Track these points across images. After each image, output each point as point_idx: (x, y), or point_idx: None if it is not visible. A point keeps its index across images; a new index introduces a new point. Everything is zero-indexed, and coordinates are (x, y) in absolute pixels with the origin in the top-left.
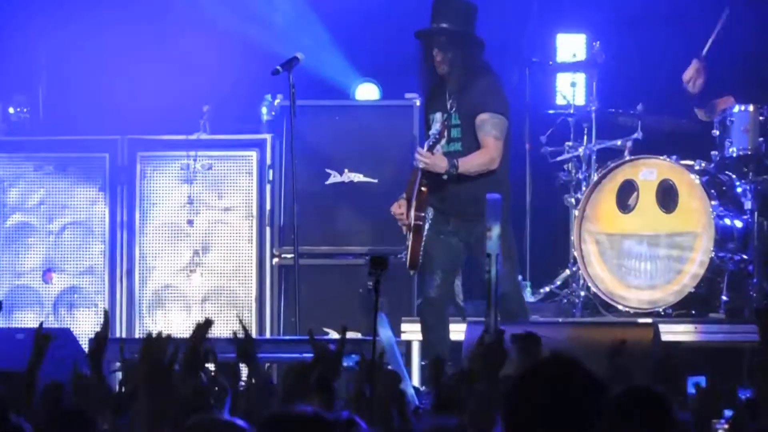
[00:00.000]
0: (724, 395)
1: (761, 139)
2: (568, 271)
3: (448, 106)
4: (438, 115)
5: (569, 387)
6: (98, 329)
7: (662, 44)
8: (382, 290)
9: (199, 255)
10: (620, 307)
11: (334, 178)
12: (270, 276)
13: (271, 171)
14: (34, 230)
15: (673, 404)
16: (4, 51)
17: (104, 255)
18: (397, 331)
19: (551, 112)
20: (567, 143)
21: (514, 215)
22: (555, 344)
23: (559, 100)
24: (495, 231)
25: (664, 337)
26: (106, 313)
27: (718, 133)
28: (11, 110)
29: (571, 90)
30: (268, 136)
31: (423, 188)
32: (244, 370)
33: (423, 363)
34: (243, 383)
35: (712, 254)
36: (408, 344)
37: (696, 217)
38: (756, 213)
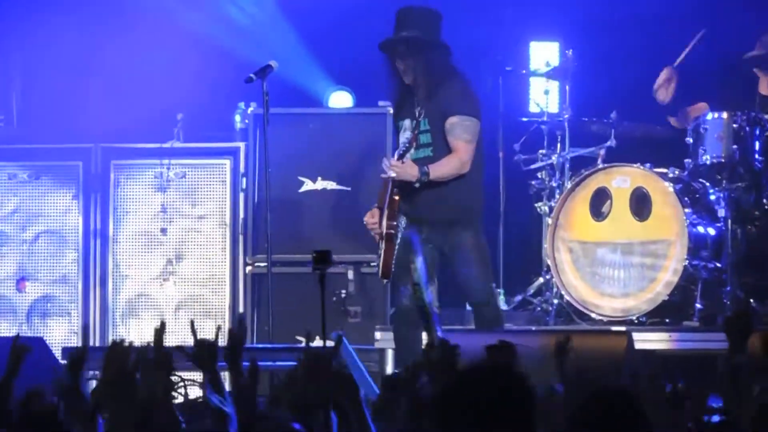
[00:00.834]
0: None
1: (735, 146)
2: (541, 279)
3: (417, 113)
4: (407, 122)
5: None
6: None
7: (636, 52)
8: (356, 299)
9: (172, 263)
10: (594, 315)
11: (308, 186)
12: (243, 284)
13: (244, 179)
14: (7, 239)
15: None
16: None
17: (78, 263)
18: (370, 340)
19: (524, 119)
20: (540, 151)
21: (488, 223)
22: (528, 352)
23: (533, 108)
24: (418, 262)
25: (638, 346)
26: (85, 327)
27: (691, 140)
28: None
29: (544, 98)
30: (241, 145)
31: (395, 197)
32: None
33: (396, 371)
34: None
35: (686, 262)
36: (382, 353)
37: (669, 225)
38: (729, 221)
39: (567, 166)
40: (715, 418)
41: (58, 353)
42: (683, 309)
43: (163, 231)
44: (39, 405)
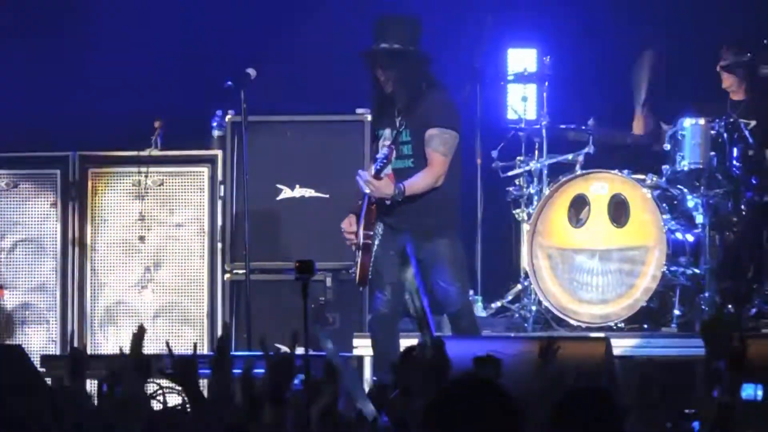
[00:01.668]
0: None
1: (712, 153)
2: (519, 286)
3: (397, 123)
4: (387, 132)
5: (481, 409)
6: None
7: (613, 58)
8: (334, 306)
9: (150, 271)
10: (572, 321)
11: (285, 193)
12: (221, 292)
13: (222, 187)
14: None
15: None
16: None
17: (56, 271)
18: (348, 347)
19: (503, 126)
20: (518, 158)
21: (466, 230)
22: (506, 359)
23: (510, 115)
24: (409, 272)
25: (616, 352)
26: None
27: (669, 147)
28: None
29: (522, 104)
30: (219, 152)
31: (372, 206)
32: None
33: (374, 378)
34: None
35: (664, 268)
36: (360, 359)
37: (648, 231)
38: (708, 227)
39: (545, 172)
40: (695, 425)
41: (36, 361)
42: (662, 315)
43: (141, 239)
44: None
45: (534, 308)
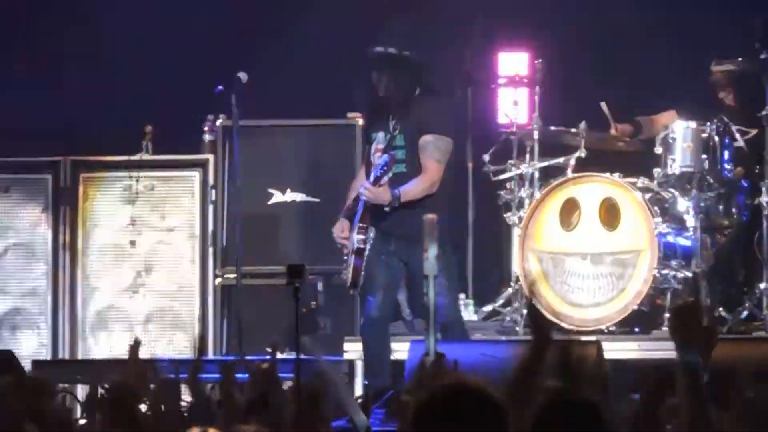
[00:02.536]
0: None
1: (704, 156)
2: (510, 290)
3: (391, 128)
4: (380, 136)
5: (470, 414)
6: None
7: (604, 62)
8: (325, 311)
9: (142, 276)
10: (564, 325)
11: (277, 197)
12: (213, 296)
13: (213, 191)
14: None
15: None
16: None
17: (47, 276)
18: (339, 351)
19: (494, 130)
20: (510, 162)
21: (457, 234)
22: (497, 363)
23: (502, 119)
24: (432, 252)
25: (608, 355)
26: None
27: (660, 150)
28: None
29: (513, 108)
30: (210, 157)
31: (366, 211)
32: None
33: (365, 382)
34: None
35: (656, 272)
36: (351, 364)
37: (639, 234)
38: (699, 230)
39: (536, 176)
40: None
41: (27, 366)
42: (653, 318)
43: (132, 243)
44: None
45: (525, 312)
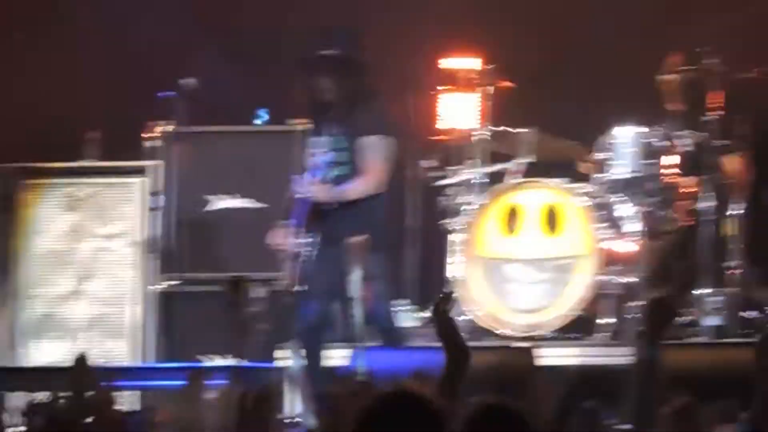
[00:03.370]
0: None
1: (645, 161)
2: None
3: (334, 130)
4: (323, 140)
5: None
6: None
7: (555, 66)
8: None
9: (82, 282)
10: (504, 331)
11: (218, 203)
12: (154, 303)
13: (155, 198)
14: None
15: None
16: None
17: None
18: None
19: (435, 135)
20: (451, 167)
21: (396, 240)
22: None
23: (444, 124)
24: (356, 275)
25: (547, 361)
26: None
27: (601, 156)
28: None
29: (458, 113)
30: (152, 163)
31: (307, 215)
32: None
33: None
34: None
35: (596, 277)
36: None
37: (581, 240)
38: (641, 235)
39: (478, 182)
40: None
41: None
42: (593, 324)
43: (73, 250)
44: None
45: (464, 318)
